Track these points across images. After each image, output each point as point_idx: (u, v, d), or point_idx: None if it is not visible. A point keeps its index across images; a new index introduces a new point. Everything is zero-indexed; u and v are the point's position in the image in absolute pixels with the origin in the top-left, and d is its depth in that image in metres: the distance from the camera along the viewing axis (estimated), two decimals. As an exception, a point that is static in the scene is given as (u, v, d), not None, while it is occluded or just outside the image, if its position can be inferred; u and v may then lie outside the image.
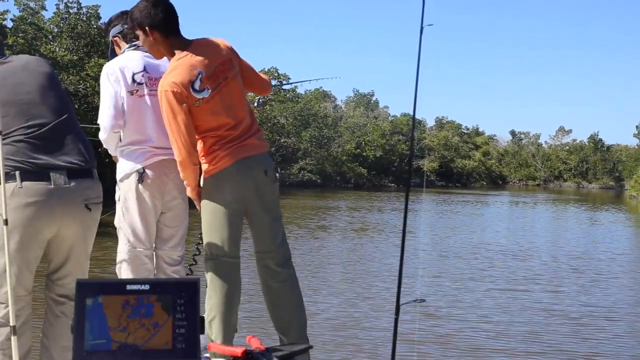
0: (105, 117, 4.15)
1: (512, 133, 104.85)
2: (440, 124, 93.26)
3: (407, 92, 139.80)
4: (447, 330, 8.47)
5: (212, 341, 3.81)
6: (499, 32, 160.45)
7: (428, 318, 8.83)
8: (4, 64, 3.46)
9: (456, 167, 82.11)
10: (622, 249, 18.84)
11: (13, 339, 2.90)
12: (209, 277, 3.91)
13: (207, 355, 2.78)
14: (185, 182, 3.93)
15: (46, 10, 32.74)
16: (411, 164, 4.60)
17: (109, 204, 4.22)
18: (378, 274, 12.62)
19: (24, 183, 3.22)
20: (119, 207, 4.25)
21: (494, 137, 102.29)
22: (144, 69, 4.20)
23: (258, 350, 2.37)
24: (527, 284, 12.15)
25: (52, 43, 30.66)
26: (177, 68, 3.76)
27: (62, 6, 31.32)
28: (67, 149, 3.40)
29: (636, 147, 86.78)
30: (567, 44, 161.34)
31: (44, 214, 3.29)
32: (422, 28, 3.79)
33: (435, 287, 11.28)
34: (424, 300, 4.06)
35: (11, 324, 2.93)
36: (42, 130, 3.34)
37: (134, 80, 4.16)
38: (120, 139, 4.23)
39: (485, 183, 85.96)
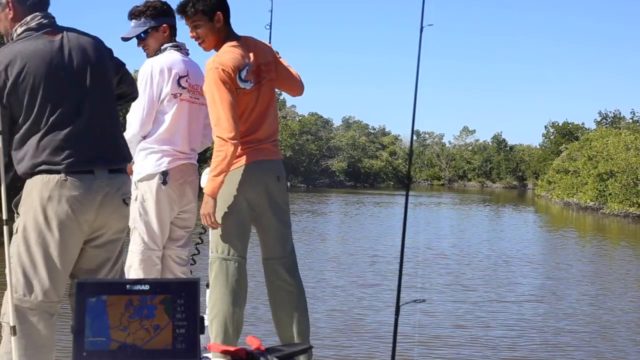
0: (138, 121, 4.17)
1: (417, 133, 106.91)
2: (347, 123, 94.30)
3: (314, 90, 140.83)
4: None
5: (212, 340, 3.79)
6: (400, 30, 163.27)
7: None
8: (52, 42, 3.27)
9: (364, 167, 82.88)
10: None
11: (13, 339, 2.96)
12: (214, 275, 3.87)
13: (207, 355, 2.78)
14: (219, 168, 3.76)
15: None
16: (410, 165, 4.42)
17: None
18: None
19: (69, 176, 3.19)
20: (135, 207, 4.20)
21: (399, 137, 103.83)
22: (187, 74, 4.28)
23: (258, 351, 2.34)
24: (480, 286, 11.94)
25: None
26: (229, 52, 3.83)
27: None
28: (108, 146, 3.38)
29: (538, 147, 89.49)
30: (469, 39, 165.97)
31: (86, 207, 3.23)
32: (422, 28, 3.78)
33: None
34: (424, 300, 4.06)
35: (11, 324, 2.97)
36: (84, 127, 3.28)
37: (179, 84, 4.23)
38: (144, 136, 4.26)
39: (392, 183, 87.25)
